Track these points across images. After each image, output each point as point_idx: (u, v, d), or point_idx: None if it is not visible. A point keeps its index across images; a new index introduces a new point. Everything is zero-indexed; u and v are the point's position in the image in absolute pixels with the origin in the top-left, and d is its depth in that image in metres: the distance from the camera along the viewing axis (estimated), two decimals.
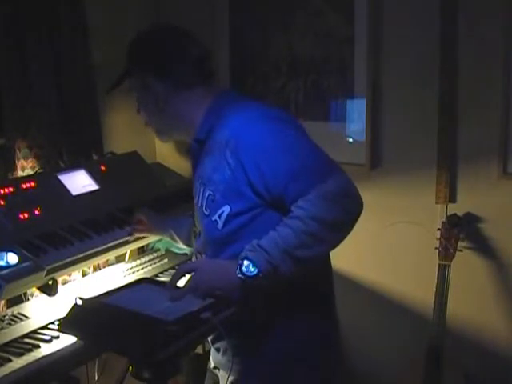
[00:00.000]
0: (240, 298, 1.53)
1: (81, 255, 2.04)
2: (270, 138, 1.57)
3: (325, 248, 1.55)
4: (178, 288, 1.56)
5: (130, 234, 2.18)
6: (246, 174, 1.56)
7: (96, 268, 2.52)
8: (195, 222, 1.81)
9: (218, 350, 1.76)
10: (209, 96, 1.71)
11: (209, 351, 1.89)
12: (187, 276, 1.58)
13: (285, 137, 1.58)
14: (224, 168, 1.59)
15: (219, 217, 1.62)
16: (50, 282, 1.93)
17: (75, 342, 1.79)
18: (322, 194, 1.49)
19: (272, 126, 1.60)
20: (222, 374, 1.77)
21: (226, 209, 1.61)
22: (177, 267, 1.66)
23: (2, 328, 1.90)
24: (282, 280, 1.51)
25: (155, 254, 2.49)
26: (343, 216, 1.51)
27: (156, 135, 1.83)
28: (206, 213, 1.65)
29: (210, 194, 1.64)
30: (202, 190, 1.67)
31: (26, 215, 2.05)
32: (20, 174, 2.46)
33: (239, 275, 1.49)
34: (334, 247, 1.58)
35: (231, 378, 1.70)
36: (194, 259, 1.82)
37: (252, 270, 1.48)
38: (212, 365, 1.85)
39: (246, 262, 1.49)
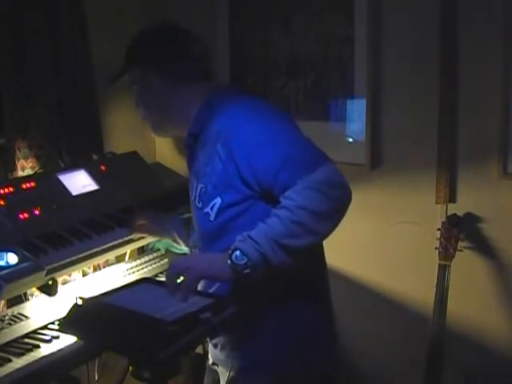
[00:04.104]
0: (234, 289, 1.55)
1: (81, 255, 2.04)
2: (259, 130, 1.59)
3: (314, 238, 1.54)
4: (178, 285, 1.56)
5: (132, 233, 2.19)
6: (237, 166, 1.58)
7: (96, 268, 2.52)
8: (192, 217, 1.81)
9: (215, 345, 1.77)
10: (206, 92, 1.73)
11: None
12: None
13: (273, 129, 1.60)
14: (215, 160, 1.61)
15: (211, 209, 1.64)
16: (50, 282, 1.93)
17: (75, 342, 1.79)
18: (309, 184, 1.50)
19: (261, 119, 1.62)
20: (221, 370, 1.78)
21: (218, 201, 1.63)
22: (169, 265, 1.64)
23: (2, 328, 1.90)
24: (273, 270, 1.52)
25: (155, 254, 2.49)
26: (331, 205, 1.51)
27: (152, 130, 1.85)
28: (199, 205, 1.67)
29: (202, 187, 1.66)
30: (195, 184, 1.69)
31: (26, 215, 2.05)
32: (20, 174, 2.45)
33: (229, 265, 1.50)
34: (324, 237, 1.58)
35: (231, 374, 1.71)
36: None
37: (242, 259, 1.49)
38: (210, 361, 1.86)
39: (235, 252, 1.50)
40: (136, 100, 1.81)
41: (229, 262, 1.50)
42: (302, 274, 1.64)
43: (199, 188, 1.67)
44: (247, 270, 1.50)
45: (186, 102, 1.73)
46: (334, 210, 1.53)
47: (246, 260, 1.49)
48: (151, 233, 2.16)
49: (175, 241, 2.04)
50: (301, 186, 1.50)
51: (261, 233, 1.50)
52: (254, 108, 1.67)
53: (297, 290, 1.67)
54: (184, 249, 2.05)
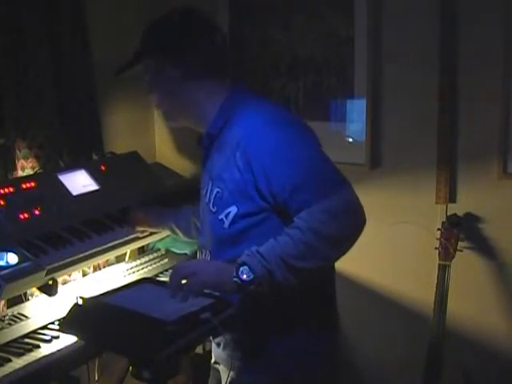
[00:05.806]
0: (239, 301, 1.54)
1: (81, 255, 2.04)
2: (280, 144, 1.56)
3: (321, 262, 1.53)
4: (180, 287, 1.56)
5: (134, 229, 2.19)
6: (254, 177, 1.56)
7: (96, 268, 2.52)
8: (200, 214, 1.80)
9: (218, 344, 1.77)
10: (223, 89, 1.70)
11: (209, 351, 1.89)
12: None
13: (296, 146, 1.58)
14: (233, 168, 1.59)
15: (226, 216, 1.62)
16: (50, 282, 1.93)
17: (75, 342, 1.79)
18: (324, 208, 1.49)
19: (285, 133, 1.59)
20: (222, 369, 1.79)
21: (233, 209, 1.61)
22: (175, 266, 1.64)
23: (2, 328, 1.90)
24: (279, 288, 1.51)
25: (155, 254, 2.49)
26: (343, 232, 1.51)
27: (164, 119, 1.83)
28: (213, 210, 1.65)
29: (218, 192, 1.64)
30: (210, 185, 1.67)
31: (26, 215, 2.05)
32: (20, 173, 2.45)
33: (235, 279, 1.50)
34: (331, 262, 1.58)
35: (232, 374, 1.71)
36: (198, 254, 1.82)
37: (248, 274, 1.49)
38: (213, 360, 1.86)
39: (242, 267, 1.49)
40: (149, 88, 1.75)
41: (234, 275, 1.49)
42: (310, 282, 1.61)
43: (214, 192, 1.65)
44: (252, 286, 1.49)
45: (202, 97, 1.69)
46: (345, 236, 1.52)
47: (252, 276, 1.48)
48: (150, 225, 2.17)
49: (173, 231, 2.05)
50: (316, 208, 1.49)
51: (270, 249, 1.50)
52: (275, 118, 1.64)
53: (300, 293, 1.65)
54: (184, 248, 2.05)
